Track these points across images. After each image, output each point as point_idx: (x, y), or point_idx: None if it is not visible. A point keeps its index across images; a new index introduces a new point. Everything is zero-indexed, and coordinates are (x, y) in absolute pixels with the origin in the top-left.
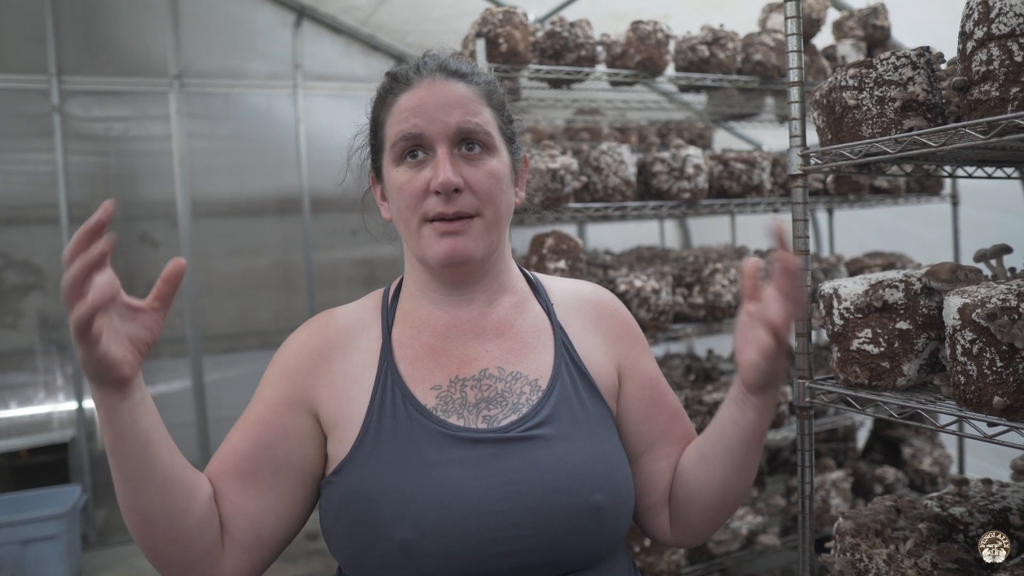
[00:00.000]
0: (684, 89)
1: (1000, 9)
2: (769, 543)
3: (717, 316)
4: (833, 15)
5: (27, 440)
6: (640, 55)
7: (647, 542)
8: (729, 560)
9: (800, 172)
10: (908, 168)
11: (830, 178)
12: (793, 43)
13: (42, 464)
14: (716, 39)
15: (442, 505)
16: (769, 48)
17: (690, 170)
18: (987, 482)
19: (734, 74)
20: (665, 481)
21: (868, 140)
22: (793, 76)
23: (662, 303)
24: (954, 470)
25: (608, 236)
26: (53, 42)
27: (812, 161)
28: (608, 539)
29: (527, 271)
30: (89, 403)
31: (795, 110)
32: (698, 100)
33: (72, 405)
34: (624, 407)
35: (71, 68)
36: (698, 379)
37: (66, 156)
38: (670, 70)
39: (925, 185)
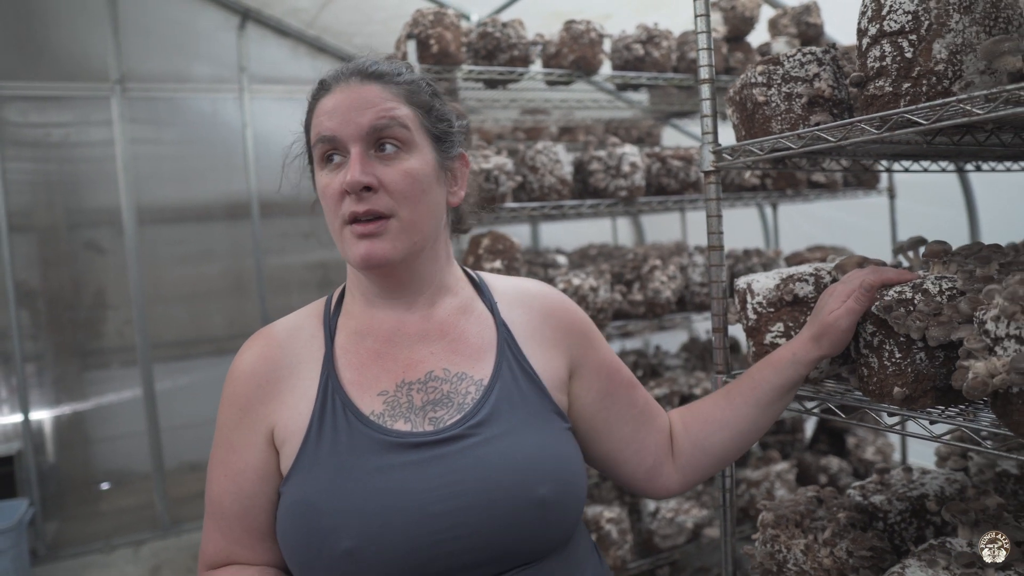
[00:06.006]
0: (621, 88)
1: (891, 7)
2: (715, 536)
3: (657, 312)
4: (768, 13)
5: None
6: (574, 54)
7: (592, 536)
8: (676, 554)
9: (712, 168)
10: (846, 162)
11: (750, 173)
12: (703, 41)
13: None
14: (651, 38)
15: (384, 512)
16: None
17: (626, 168)
18: (907, 470)
19: (670, 72)
20: (656, 443)
21: (773, 136)
22: (704, 74)
23: (600, 301)
24: (897, 457)
25: (563, 235)
26: None
27: (724, 157)
28: (555, 532)
29: (471, 271)
30: (35, 415)
31: (706, 107)
32: (644, 98)
33: (18, 418)
34: (584, 392)
35: (6, 73)
36: (645, 375)
37: (4, 163)
38: (606, 69)
39: (862, 179)
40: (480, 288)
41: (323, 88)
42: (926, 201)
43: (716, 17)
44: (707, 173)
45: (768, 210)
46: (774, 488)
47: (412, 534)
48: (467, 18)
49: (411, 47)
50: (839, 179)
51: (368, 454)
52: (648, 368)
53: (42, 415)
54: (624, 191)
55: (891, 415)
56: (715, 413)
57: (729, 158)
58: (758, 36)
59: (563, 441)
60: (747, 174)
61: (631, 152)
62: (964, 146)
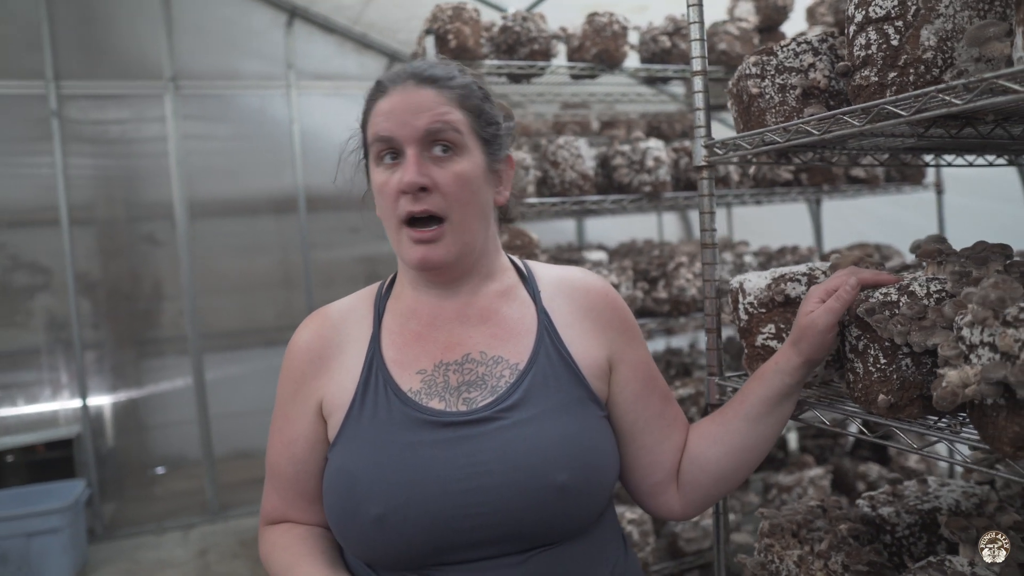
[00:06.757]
0: (649, 81)
1: None
2: (742, 541)
3: (681, 311)
4: (804, 0)
5: (35, 436)
6: (596, 47)
7: None
8: (705, 557)
9: (705, 164)
10: (855, 156)
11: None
12: (695, 31)
13: (51, 460)
14: (677, 29)
15: (411, 484)
16: (734, 37)
17: (650, 163)
18: (923, 481)
19: None
20: (670, 461)
21: (761, 130)
22: (696, 66)
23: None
24: (944, 467)
25: (611, 229)
26: (50, 48)
27: (716, 152)
28: (575, 517)
29: (518, 260)
30: (93, 400)
31: (699, 100)
32: (683, 92)
33: (77, 403)
34: (619, 389)
35: (68, 73)
36: (677, 374)
37: (65, 159)
38: (632, 61)
39: (906, 174)
40: (525, 277)
41: (380, 89)
42: (982, 196)
43: (748, 6)
44: (699, 168)
45: (816, 206)
46: (806, 495)
47: (432, 508)
48: (503, 11)
49: (429, 43)
50: (880, 174)
51: (403, 429)
52: (681, 367)
53: (101, 400)
54: (648, 186)
55: (875, 424)
56: (710, 429)
57: (720, 152)
58: (795, 25)
59: (594, 428)
60: (748, 168)
61: (655, 146)
62: (964, 139)
